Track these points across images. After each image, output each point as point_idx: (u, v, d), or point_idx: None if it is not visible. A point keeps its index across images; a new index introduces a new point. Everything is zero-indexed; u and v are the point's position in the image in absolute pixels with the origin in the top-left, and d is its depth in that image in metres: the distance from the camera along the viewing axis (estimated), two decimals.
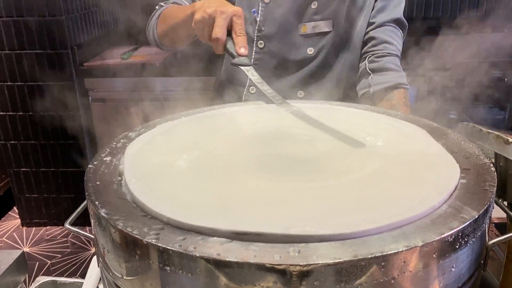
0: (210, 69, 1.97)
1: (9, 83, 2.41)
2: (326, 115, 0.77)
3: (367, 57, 1.15)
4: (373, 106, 0.87)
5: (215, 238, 0.43)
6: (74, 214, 0.60)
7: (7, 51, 2.35)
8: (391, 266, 0.41)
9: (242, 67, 0.88)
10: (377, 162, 0.59)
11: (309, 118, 0.76)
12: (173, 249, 0.42)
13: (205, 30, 0.90)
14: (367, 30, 1.16)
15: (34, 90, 2.42)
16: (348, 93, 1.19)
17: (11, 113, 2.47)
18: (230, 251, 0.41)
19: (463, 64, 2.21)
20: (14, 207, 2.83)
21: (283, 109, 0.81)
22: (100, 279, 0.83)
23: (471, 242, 0.46)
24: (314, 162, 0.61)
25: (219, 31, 0.87)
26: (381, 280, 0.41)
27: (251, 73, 0.88)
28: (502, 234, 0.65)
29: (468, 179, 0.54)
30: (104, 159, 0.62)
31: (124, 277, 0.49)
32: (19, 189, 2.64)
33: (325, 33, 1.16)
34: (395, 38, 1.15)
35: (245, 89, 1.20)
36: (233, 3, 1.12)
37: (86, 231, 0.58)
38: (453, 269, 0.46)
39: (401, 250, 0.41)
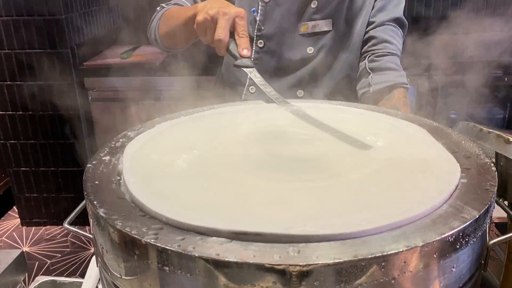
0: (210, 69, 1.97)
1: (8, 82, 2.41)
2: (326, 115, 0.77)
3: (367, 57, 1.15)
4: (373, 105, 0.87)
5: (214, 238, 0.43)
6: (73, 213, 0.60)
7: (6, 51, 2.35)
8: (391, 266, 0.41)
9: (245, 69, 0.88)
10: (377, 162, 0.59)
11: (309, 117, 0.76)
12: (172, 249, 0.42)
13: (207, 31, 0.90)
14: (367, 29, 1.16)
15: (34, 89, 2.41)
16: (348, 93, 1.18)
17: (10, 112, 2.47)
18: (230, 251, 0.41)
19: (463, 64, 2.21)
20: (14, 207, 2.83)
21: (283, 109, 0.81)
22: (99, 279, 0.83)
23: (471, 242, 0.46)
24: (314, 161, 0.61)
25: (221, 33, 0.86)
26: (381, 280, 0.41)
27: (254, 75, 0.87)
28: (503, 234, 0.65)
29: (468, 179, 0.54)
30: (103, 158, 0.62)
31: (123, 277, 0.48)
32: (18, 188, 2.64)
33: (325, 33, 1.15)
34: (395, 38, 1.15)
35: (245, 89, 1.20)
36: (233, 3, 1.12)
37: (86, 231, 0.58)
38: (454, 269, 0.45)
39: (401, 250, 0.41)
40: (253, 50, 1.15)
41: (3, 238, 2.62)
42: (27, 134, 2.51)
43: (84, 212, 0.58)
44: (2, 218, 2.82)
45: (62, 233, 2.64)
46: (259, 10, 1.14)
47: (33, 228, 2.71)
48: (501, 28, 2.56)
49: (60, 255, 2.47)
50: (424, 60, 2.22)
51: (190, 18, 0.97)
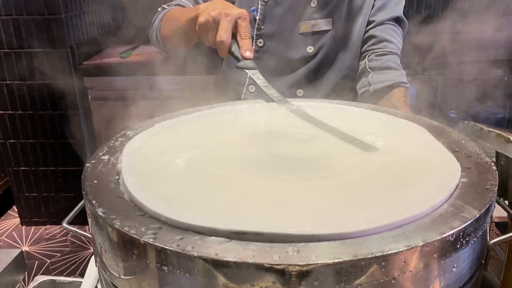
0: (210, 68, 1.97)
1: (8, 81, 2.41)
2: (326, 114, 0.76)
3: (367, 56, 1.15)
4: (373, 104, 0.87)
5: (213, 237, 0.43)
6: (72, 213, 0.60)
7: (6, 50, 2.35)
8: (391, 266, 0.41)
9: (247, 71, 0.87)
10: (377, 161, 0.59)
11: (309, 116, 0.76)
12: (170, 248, 0.41)
13: (209, 33, 0.89)
14: (367, 28, 1.16)
15: (33, 89, 2.41)
16: (348, 92, 1.18)
17: (10, 112, 2.47)
18: (229, 251, 0.41)
19: (463, 63, 2.21)
20: (14, 206, 2.82)
21: (282, 108, 0.81)
22: (98, 279, 0.83)
23: (472, 241, 0.46)
24: (314, 161, 0.61)
25: (223, 34, 0.86)
26: (381, 280, 0.41)
27: (257, 77, 0.87)
28: (503, 233, 0.65)
29: (469, 178, 0.54)
30: (102, 157, 0.62)
31: (122, 277, 0.48)
32: (18, 188, 2.63)
33: (325, 32, 1.15)
34: (395, 37, 1.15)
35: (244, 88, 1.20)
36: (233, 3, 1.11)
37: (85, 230, 0.58)
38: (454, 269, 0.45)
39: (401, 250, 0.40)
40: (253, 49, 1.15)
41: (3, 237, 2.62)
42: (27, 134, 2.51)
43: (83, 211, 0.58)
44: (2, 217, 2.82)
45: (62, 233, 2.64)
46: (259, 10, 1.13)
47: (33, 227, 2.71)
48: (501, 27, 2.56)
49: (59, 255, 2.47)
50: (424, 59, 2.22)
51: (192, 20, 0.96)
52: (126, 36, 2.57)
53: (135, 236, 0.43)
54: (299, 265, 0.39)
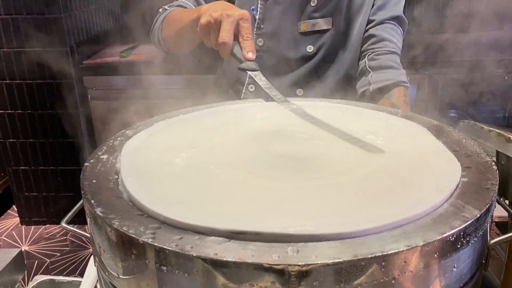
0: (209, 67, 1.97)
1: (7, 81, 2.40)
2: (325, 113, 0.76)
3: (367, 55, 1.15)
4: (373, 104, 0.87)
5: (212, 237, 0.43)
6: (71, 212, 0.60)
7: (5, 49, 2.35)
8: (391, 266, 0.40)
9: (250, 72, 0.86)
10: (377, 161, 0.59)
11: (308, 116, 0.76)
12: (169, 248, 0.41)
13: (211, 34, 0.89)
14: (367, 27, 1.16)
15: (33, 88, 2.41)
16: (347, 91, 1.18)
17: (9, 111, 2.46)
18: (228, 250, 0.41)
19: (463, 63, 2.21)
20: (13, 206, 2.82)
21: (282, 107, 0.81)
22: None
23: (472, 241, 0.45)
24: (314, 160, 0.61)
25: (225, 36, 0.85)
26: (381, 280, 0.41)
27: (259, 78, 0.86)
28: (503, 233, 0.65)
29: (469, 178, 0.54)
30: (100, 157, 0.62)
31: (120, 277, 0.48)
32: (18, 187, 2.63)
33: (325, 31, 1.15)
34: (395, 36, 1.15)
35: (244, 87, 1.19)
36: (233, 3, 1.11)
37: (85, 230, 0.58)
38: (455, 269, 0.45)
39: (401, 249, 0.40)
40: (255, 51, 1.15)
41: (2, 237, 2.62)
42: (26, 133, 2.51)
43: (83, 210, 0.58)
44: (2, 217, 2.82)
45: (62, 232, 2.63)
46: (259, 9, 1.13)
47: (33, 227, 2.71)
48: (501, 26, 2.56)
49: (59, 254, 2.47)
50: (424, 58, 2.22)
51: (193, 21, 0.95)
52: (126, 36, 2.57)
53: (134, 236, 0.43)
54: (298, 265, 0.39)
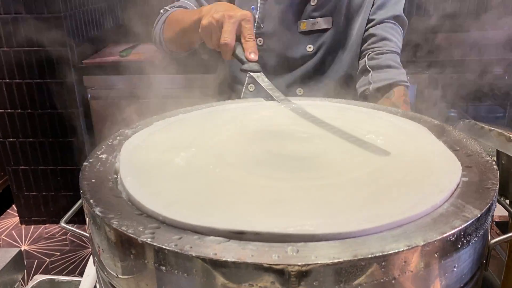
0: (209, 67, 1.96)
1: (7, 80, 2.40)
2: (325, 113, 0.76)
3: (367, 54, 1.15)
4: (373, 103, 0.86)
5: (211, 237, 0.43)
6: (70, 212, 0.59)
7: (5, 49, 2.34)
8: (391, 266, 0.40)
9: (252, 74, 0.86)
10: (377, 160, 0.58)
11: (308, 115, 0.75)
12: (168, 248, 0.41)
13: (213, 35, 0.88)
14: (367, 27, 1.16)
15: (33, 87, 2.41)
16: (347, 91, 1.18)
17: (9, 110, 2.46)
18: (227, 250, 0.41)
19: (463, 62, 2.20)
20: (13, 205, 2.82)
21: (282, 107, 0.80)
22: None
23: (473, 241, 0.45)
24: (313, 160, 0.61)
25: (227, 37, 0.84)
26: (382, 280, 0.40)
27: (262, 80, 0.85)
28: (504, 233, 0.65)
29: (470, 177, 0.53)
30: (99, 156, 0.62)
31: (119, 277, 0.48)
32: (17, 187, 2.63)
33: (324, 30, 1.15)
34: (395, 35, 1.15)
35: (244, 87, 1.19)
36: (233, 2, 1.11)
37: (85, 229, 0.57)
38: (455, 269, 0.45)
39: (402, 249, 0.40)
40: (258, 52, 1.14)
41: (2, 236, 2.62)
42: (26, 132, 2.50)
43: (83, 210, 0.57)
44: (1, 216, 2.82)
45: (61, 232, 2.63)
46: (258, 8, 1.13)
47: (32, 226, 2.70)
48: (501, 25, 2.56)
49: (59, 254, 2.47)
50: (424, 57, 2.22)
51: (195, 22, 0.94)
52: (126, 35, 2.57)
53: (132, 235, 0.43)
54: (298, 265, 0.39)
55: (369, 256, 0.39)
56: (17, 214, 2.73)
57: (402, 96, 1.09)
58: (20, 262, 0.94)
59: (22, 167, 2.58)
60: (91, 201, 0.49)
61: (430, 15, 2.67)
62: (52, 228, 2.68)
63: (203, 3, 1.12)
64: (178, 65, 1.84)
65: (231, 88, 1.23)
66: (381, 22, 1.14)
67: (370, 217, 0.44)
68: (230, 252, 0.40)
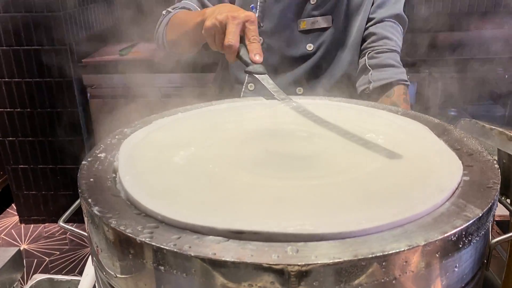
0: (209, 66, 1.96)
1: (6, 79, 2.40)
2: (325, 112, 0.76)
3: (367, 53, 1.14)
4: (373, 102, 0.86)
5: (211, 237, 0.42)
6: (68, 211, 0.59)
7: (4, 47, 2.34)
8: (392, 266, 0.40)
9: (257, 76, 0.85)
10: (378, 159, 0.58)
11: (308, 114, 0.75)
12: (167, 248, 0.41)
13: (216, 37, 0.87)
14: (367, 25, 1.15)
15: (32, 86, 2.40)
16: (347, 89, 1.18)
17: (9, 109, 2.46)
18: (226, 250, 0.40)
19: (463, 61, 2.20)
20: (12, 204, 2.82)
21: (282, 106, 0.80)
22: None
23: (474, 241, 0.45)
24: (313, 159, 0.60)
25: (231, 38, 0.83)
26: (382, 280, 0.40)
27: (267, 82, 0.85)
28: (504, 232, 0.64)
29: (471, 177, 0.53)
30: (98, 155, 0.61)
31: (118, 276, 0.47)
32: (17, 186, 2.63)
33: (324, 29, 1.15)
34: (395, 34, 1.14)
35: (244, 86, 1.19)
36: (233, 3, 1.10)
37: (84, 229, 0.57)
38: (456, 269, 0.44)
39: (402, 249, 0.40)
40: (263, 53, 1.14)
41: (2, 235, 2.61)
42: (26, 131, 2.50)
43: (82, 209, 0.57)
44: (1, 215, 2.82)
45: (61, 231, 2.63)
46: (258, 7, 1.12)
47: (32, 225, 2.70)
48: (502, 24, 2.55)
49: (58, 253, 2.46)
50: (424, 56, 2.21)
51: (198, 24, 0.94)
52: (125, 34, 2.56)
53: (131, 235, 0.43)
54: (298, 265, 0.38)
55: (370, 256, 0.39)
56: (16, 213, 2.73)
57: (402, 95, 1.09)
58: (19, 261, 0.94)
59: (22, 166, 2.58)
60: (89, 200, 0.49)
61: (430, 13, 2.67)
62: (52, 227, 2.68)
63: (205, 3, 1.12)
64: (178, 64, 1.83)
65: (230, 87, 1.22)
66: (381, 21, 1.14)
67: (371, 217, 0.44)
68: (230, 252, 0.40)
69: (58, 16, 2.29)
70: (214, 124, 0.72)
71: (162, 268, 0.42)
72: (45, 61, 2.35)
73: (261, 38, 1.14)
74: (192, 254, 0.40)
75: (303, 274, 0.38)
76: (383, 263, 0.40)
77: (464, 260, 0.45)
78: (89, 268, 0.85)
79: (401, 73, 1.11)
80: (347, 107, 0.81)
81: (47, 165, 2.58)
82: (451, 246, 0.43)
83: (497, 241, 0.50)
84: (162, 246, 0.41)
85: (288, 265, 0.38)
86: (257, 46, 0.85)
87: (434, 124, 0.71)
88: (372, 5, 1.15)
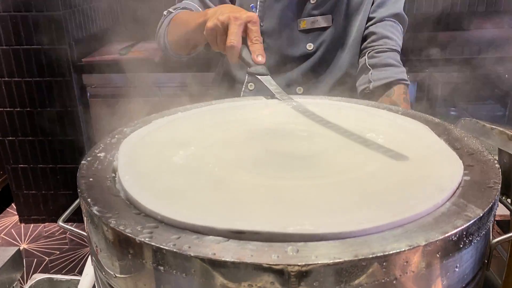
0: (208, 65, 1.96)
1: (6, 78, 2.40)
2: (326, 111, 0.75)
3: (367, 53, 1.14)
4: (373, 101, 0.86)
5: (210, 237, 0.42)
6: (68, 211, 0.59)
7: (4, 47, 2.34)
8: (393, 266, 0.40)
9: (259, 77, 0.85)
10: (378, 159, 0.58)
11: (308, 113, 0.75)
12: (167, 248, 0.40)
13: (218, 38, 0.87)
14: (367, 25, 1.15)
15: (32, 85, 2.40)
16: (348, 89, 1.17)
17: (8, 109, 2.46)
18: (226, 250, 0.40)
19: (464, 60, 2.20)
20: (12, 204, 2.82)
21: (281, 105, 0.80)
22: None
23: (475, 241, 0.45)
24: (314, 159, 0.60)
25: (234, 39, 0.83)
26: (383, 280, 0.40)
27: (269, 83, 0.84)
28: (505, 232, 0.64)
29: (471, 176, 0.53)
30: (98, 155, 0.61)
31: (117, 276, 0.47)
32: (17, 185, 2.63)
33: (324, 29, 1.14)
34: (395, 33, 1.14)
35: (244, 86, 1.19)
36: (233, 2, 1.10)
37: (84, 228, 0.57)
38: (457, 269, 0.44)
39: (403, 249, 0.40)
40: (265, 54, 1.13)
41: (1, 235, 2.61)
42: (25, 131, 2.50)
43: (81, 209, 0.57)
44: (1, 215, 2.82)
45: (61, 230, 2.63)
46: (258, 6, 1.12)
47: (32, 225, 2.70)
48: (502, 24, 2.55)
49: (58, 252, 2.46)
50: (424, 56, 2.21)
51: (200, 25, 0.93)
52: (125, 33, 2.56)
53: (130, 235, 0.42)
54: (298, 265, 0.38)
55: (370, 256, 0.39)
56: (16, 213, 2.73)
57: (402, 94, 1.09)
58: (18, 261, 0.94)
59: (22, 165, 2.58)
60: (89, 200, 0.49)
61: (430, 13, 2.67)
62: (52, 227, 2.67)
63: (207, 3, 1.11)
64: (178, 63, 1.83)
65: (230, 86, 1.22)
66: (381, 20, 1.14)
67: (371, 217, 0.43)
68: (229, 252, 0.40)
69: (58, 16, 2.28)
70: (214, 124, 0.72)
71: (162, 268, 0.42)
72: (45, 60, 2.35)
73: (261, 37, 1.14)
74: (192, 254, 0.40)
75: (303, 274, 0.38)
76: (384, 263, 0.39)
77: (465, 260, 0.45)
78: (89, 268, 0.85)
79: (401, 72, 1.11)
80: (347, 106, 0.81)
81: (47, 165, 2.58)
82: (451, 246, 0.42)
83: (497, 241, 0.50)
84: (161, 246, 0.41)
85: (288, 265, 0.38)
86: (259, 47, 0.85)
87: (435, 123, 0.70)
88: (372, 5, 1.14)
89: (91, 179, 0.54)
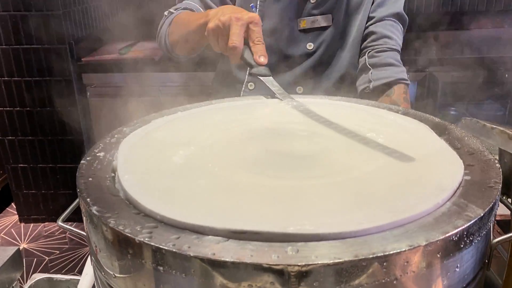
0: (208, 65, 1.96)
1: (6, 78, 2.39)
2: (326, 111, 0.75)
3: (367, 52, 1.14)
4: (373, 101, 0.86)
5: (210, 237, 0.42)
6: (67, 211, 0.59)
7: (4, 46, 2.34)
8: (393, 266, 0.40)
9: (262, 78, 0.84)
10: (379, 159, 0.58)
11: (308, 113, 0.75)
12: (166, 248, 0.40)
13: (220, 39, 0.86)
14: (367, 24, 1.15)
15: (32, 85, 2.40)
16: (348, 89, 1.17)
17: (8, 108, 2.46)
18: (226, 250, 0.40)
19: (464, 60, 2.20)
20: (12, 203, 2.81)
21: (282, 105, 0.80)
22: None
23: (476, 241, 0.45)
24: (314, 158, 0.60)
25: (235, 40, 0.82)
26: (383, 280, 0.40)
27: (272, 84, 0.84)
28: (505, 232, 0.64)
29: (472, 176, 0.53)
30: (97, 154, 0.61)
31: (117, 276, 0.47)
32: (16, 185, 2.62)
33: (324, 28, 1.14)
34: (395, 33, 1.14)
35: (243, 86, 1.18)
36: (234, 3, 1.10)
37: (83, 228, 0.57)
38: (458, 269, 0.44)
39: (403, 249, 0.39)
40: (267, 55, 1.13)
41: (1, 235, 2.61)
42: (25, 130, 2.50)
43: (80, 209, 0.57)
44: (0, 214, 2.81)
45: (60, 230, 2.63)
46: (258, 6, 1.12)
47: (31, 224, 2.70)
48: (502, 23, 2.55)
49: (58, 252, 2.46)
50: (425, 56, 2.21)
51: (201, 26, 0.93)
52: (125, 33, 2.56)
53: (130, 235, 0.42)
54: (298, 265, 0.38)
55: (371, 256, 0.39)
56: (16, 212, 2.73)
57: (403, 94, 1.09)
58: (18, 261, 0.94)
59: (21, 165, 2.58)
60: (88, 200, 0.49)
61: (431, 12, 2.67)
62: (51, 226, 2.67)
63: (208, 3, 1.11)
64: (177, 63, 1.83)
65: (230, 86, 1.22)
66: (381, 19, 1.14)
67: (371, 217, 0.43)
68: (229, 252, 0.40)
69: (57, 15, 2.28)
70: (214, 124, 0.72)
71: (161, 268, 0.42)
72: (44, 60, 2.35)
73: None
74: (192, 254, 0.40)
75: (303, 274, 0.38)
76: (384, 263, 0.39)
77: (465, 260, 0.45)
78: (89, 268, 0.85)
79: (401, 72, 1.11)
80: (347, 106, 0.80)
81: (47, 164, 2.58)
82: (452, 246, 0.42)
83: (498, 241, 0.50)
84: (161, 246, 0.41)
85: (288, 265, 0.38)
86: (261, 48, 0.84)
87: (435, 123, 0.70)
88: (372, 4, 1.14)
89: (90, 179, 0.54)
